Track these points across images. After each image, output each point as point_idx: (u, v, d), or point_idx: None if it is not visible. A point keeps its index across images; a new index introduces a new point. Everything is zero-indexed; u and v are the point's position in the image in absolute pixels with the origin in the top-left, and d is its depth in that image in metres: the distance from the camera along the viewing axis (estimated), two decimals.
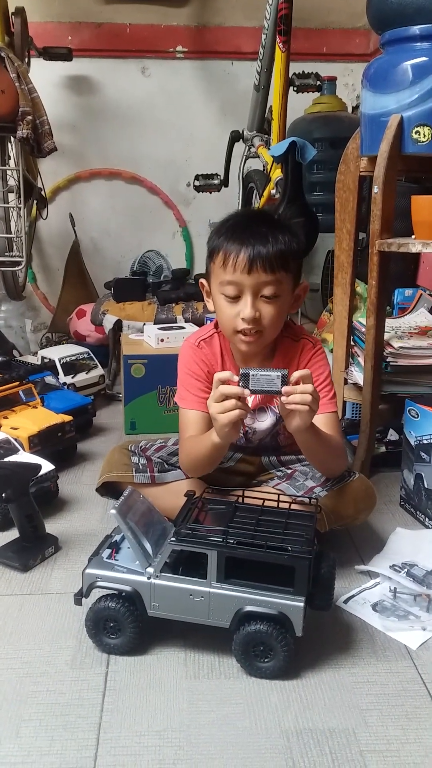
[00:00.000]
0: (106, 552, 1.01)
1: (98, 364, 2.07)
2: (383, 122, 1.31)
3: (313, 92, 2.39)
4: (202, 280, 1.23)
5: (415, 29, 1.29)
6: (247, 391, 1.01)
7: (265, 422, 1.28)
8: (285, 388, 1.01)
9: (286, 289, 1.16)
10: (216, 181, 2.56)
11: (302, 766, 0.79)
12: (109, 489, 1.31)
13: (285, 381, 1.01)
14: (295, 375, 1.02)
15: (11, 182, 2.21)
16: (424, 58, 1.27)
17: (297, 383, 1.02)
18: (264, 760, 0.80)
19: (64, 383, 1.91)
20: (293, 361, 1.25)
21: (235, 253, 1.11)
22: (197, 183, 2.58)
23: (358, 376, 1.55)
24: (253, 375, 1.01)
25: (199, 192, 2.63)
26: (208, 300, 1.23)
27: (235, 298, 1.14)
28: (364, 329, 1.47)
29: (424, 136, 1.29)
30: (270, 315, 1.14)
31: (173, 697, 0.90)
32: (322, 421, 1.21)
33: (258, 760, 0.80)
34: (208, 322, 2.00)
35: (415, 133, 1.29)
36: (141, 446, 1.35)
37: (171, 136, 2.85)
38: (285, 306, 1.17)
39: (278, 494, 1.11)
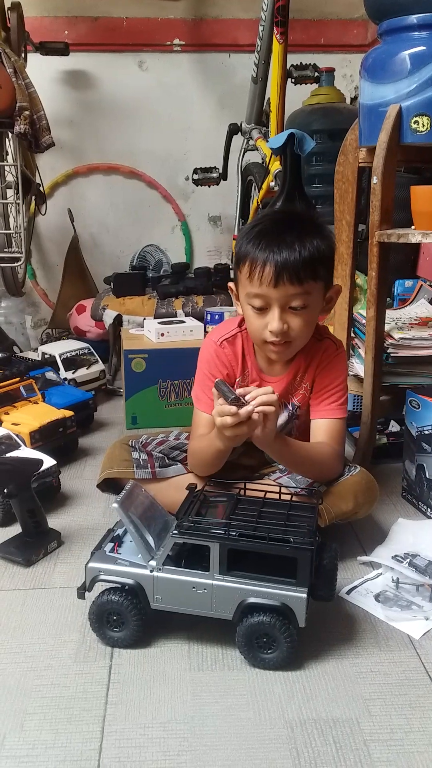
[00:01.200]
0: (109, 546, 1.01)
1: (99, 359, 2.07)
2: (382, 112, 1.30)
3: (311, 84, 2.40)
4: (231, 284, 1.21)
5: (413, 18, 1.28)
6: (234, 408, 0.99)
7: (280, 419, 1.26)
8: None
9: (316, 298, 1.13)
10: (215, 175, 2.55)
11: (306, 756, 0.80)
12: (110, 484, 1.31)
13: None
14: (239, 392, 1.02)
15: (9, 178, 2.21)
16: (422, 47, 1.26)
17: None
18: (268, 751, 0.80)
19: (65, 379, 1.91)
20: (313, 360, 1.23)
21: (261, 265, 1.07)
22: (196, 176, 2.57)
23: (358, 367, 1.55)
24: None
25: (197, 185, 2.62)
26: (237, 303, 1.21)
27: (262, 310, 1.12)
28: (364, 321, 1.47)
29: (423, 125, 1.28)
30: (299, 326, 1.12)
31: (177, 689, 0.90)
32: (324, 426, 1.20)
33: (262, 750, 0.81)
34: (209, 316, 2.01)
35: (414, 122, 1.28)
36: (142, 441, 1.35)
37: (169, 129, 2.84)
38: (315, 314, 1.15)
39: (279, 487, 1.11)
